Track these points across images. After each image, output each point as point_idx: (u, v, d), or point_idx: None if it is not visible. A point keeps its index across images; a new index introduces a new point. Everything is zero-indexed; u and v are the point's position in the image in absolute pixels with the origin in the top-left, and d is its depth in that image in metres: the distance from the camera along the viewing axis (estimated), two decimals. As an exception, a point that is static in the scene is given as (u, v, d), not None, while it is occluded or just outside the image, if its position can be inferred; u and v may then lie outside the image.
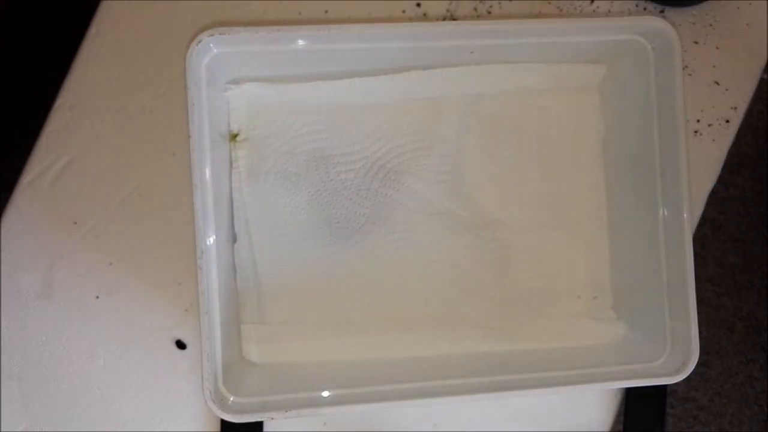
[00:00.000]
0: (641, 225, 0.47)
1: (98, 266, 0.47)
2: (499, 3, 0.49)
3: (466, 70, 0.47)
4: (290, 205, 0.47)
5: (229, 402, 0.42)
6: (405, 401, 0.43)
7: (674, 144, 0.44)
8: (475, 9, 0.49)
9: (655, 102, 0.45)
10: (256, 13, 0.48)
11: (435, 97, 0.48)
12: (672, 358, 0.45)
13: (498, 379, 0.44)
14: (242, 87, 0.46)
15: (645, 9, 0.50)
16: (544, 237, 0.49)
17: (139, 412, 0.47)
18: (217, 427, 0.47)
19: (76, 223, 0.47)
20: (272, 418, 0.42)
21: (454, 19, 0.49)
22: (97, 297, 0.47)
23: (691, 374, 0.43)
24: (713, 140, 0.50)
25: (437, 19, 0.48)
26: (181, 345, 0.48)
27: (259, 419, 0.42)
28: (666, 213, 0.45)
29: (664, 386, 0.48)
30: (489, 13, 0.49)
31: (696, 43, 0.50)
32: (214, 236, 0.42)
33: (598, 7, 0.49)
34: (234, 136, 0.47)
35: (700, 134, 0.50)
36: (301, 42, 0.42)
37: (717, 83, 0.50)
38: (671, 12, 0.50)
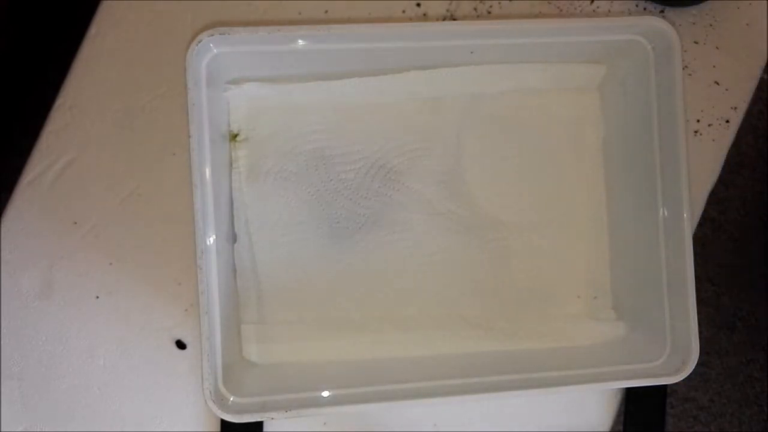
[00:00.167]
0: (641, 225, 0.47)
1: (98, 266, 0.47)
2: (499, 3, 0.49)
3: (466, 70, 0.47)
4: (290, 205, 0.47)
5: (229, 402, 0.42)
6: (405, 401, 0.42)
7: (674, 144, 0.44)
8: (475, 9, 0.49)
9: (655, 102, 0.45)
10: (256, 13, 0.48)
11: (435, 97, 0.48)
12: (672, 358, 0.44)
13: (498, 379, 0.44)
14: (242, 87, 0.46)
15: (645, 9, 0.50)
16: (544, 237, 0.49)
17: (139, 412, 0.47)
18: (217, 427, 0.47)
19: (76, 223, 0.47)
20: (272, 418, 0.42)
21: (454, 19, 0.49)
22: (97, 297, 0.47)
23: (691, 374, 0.43)
24: (713, 140, 0.50)
25: (437, 19, 0.48)
26: (181, 345, 0.48)
27: (259, 419, 0.42)
28: (666, 213, 0.45)
29: (664, 386, 0.48)
30: (489, 13, 0.49)
31: (696, 43, 0.50)
32: (214, 236, 0.42)
33: (598, 7, 0.49)
34: (234, 136, 0.47)
35: (700, 134, 0.50)
36: (301, 42, 0.42)
37: (717, 83, 0.50)
38: (671, 12, 0.50)
